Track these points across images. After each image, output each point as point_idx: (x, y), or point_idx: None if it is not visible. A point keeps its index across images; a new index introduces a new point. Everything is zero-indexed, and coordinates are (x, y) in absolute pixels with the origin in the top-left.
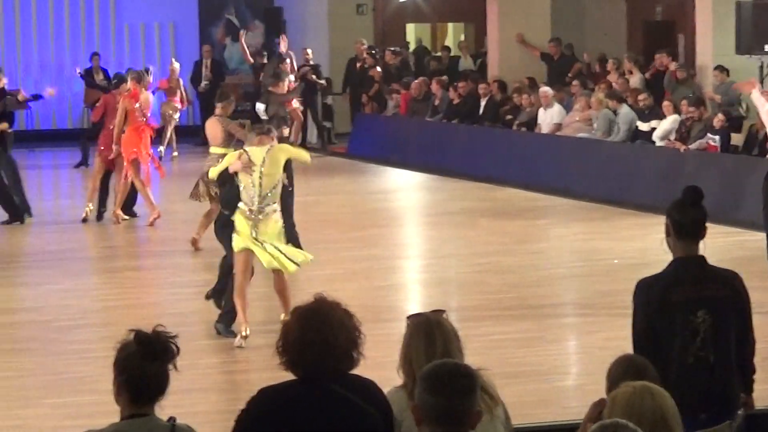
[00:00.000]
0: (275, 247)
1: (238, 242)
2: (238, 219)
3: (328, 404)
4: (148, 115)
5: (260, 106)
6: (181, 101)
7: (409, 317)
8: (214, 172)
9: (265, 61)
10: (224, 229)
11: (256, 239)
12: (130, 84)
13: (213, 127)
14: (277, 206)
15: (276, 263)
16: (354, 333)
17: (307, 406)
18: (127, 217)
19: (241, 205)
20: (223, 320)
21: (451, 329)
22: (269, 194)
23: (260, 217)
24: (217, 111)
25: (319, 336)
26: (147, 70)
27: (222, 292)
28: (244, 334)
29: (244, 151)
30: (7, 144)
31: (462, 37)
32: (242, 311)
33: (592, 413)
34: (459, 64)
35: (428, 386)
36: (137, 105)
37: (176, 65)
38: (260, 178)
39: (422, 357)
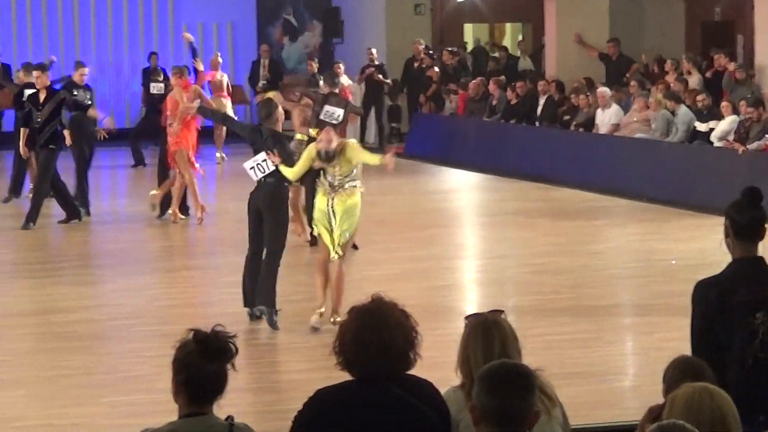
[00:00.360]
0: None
1: (316, 227)
2: (319, 196)
3: (384, 405)
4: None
5: (339, 111)
6: (228, 92)
7: (467, 317)
8: (292, 174)
9: (315, 67)
10: (273, 201)
11: (329, 220)
12: (173, 80)
13: (297, 115)
14: (359, 183)
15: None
16: (411, 333)
17: (364, 407)
18: (183, 216)
19: (320, 179)
20: (266, 300)
21: (509, 329)
22: (349, 174)
23: (339, 190)
24: (303, 101)
25: (376, 336)
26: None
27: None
28: (320, 311)
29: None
30: (86, 141)
31: (520, 37)
32: (321, 288)
33: (648, 417)
34: (518, 64)
35: (486, 386)
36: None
37: (219, 59)
38: (338, 166)
39: (480, 357)
